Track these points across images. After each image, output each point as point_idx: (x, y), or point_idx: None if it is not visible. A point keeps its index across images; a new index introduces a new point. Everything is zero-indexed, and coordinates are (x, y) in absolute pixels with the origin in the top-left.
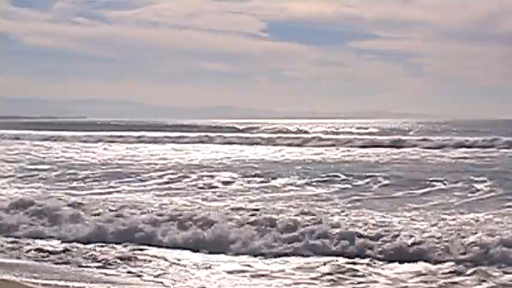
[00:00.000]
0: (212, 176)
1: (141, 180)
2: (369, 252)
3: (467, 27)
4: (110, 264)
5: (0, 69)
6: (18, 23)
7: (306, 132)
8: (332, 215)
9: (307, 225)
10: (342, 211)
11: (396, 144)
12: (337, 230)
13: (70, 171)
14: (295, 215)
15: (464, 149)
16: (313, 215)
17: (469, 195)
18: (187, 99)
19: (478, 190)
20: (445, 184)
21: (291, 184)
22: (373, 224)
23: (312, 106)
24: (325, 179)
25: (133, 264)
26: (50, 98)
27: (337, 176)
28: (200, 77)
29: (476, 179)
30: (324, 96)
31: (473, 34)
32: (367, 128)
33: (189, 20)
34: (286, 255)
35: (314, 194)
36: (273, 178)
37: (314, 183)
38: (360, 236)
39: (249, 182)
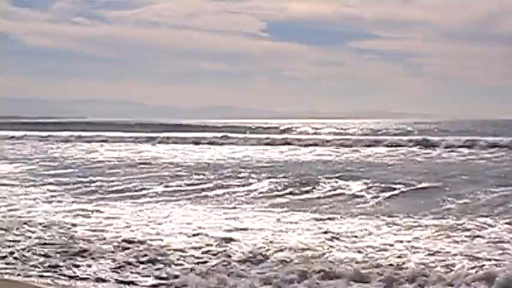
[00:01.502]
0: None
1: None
2: None
3: (467, 27)
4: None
5: (0, 69)
6: (18, 23)
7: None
8: None
9: None
10: None
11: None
12: None
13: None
14: None
15: (467, 150)
16: None
17: None
18: (186, 99)
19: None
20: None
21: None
22: None
23: (312, 106)
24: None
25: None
26: (50, 98)
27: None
28: (199, 77)
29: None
30: (323, 96)
31: (473, 34)
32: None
33: (189, 20)
34: None
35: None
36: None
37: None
38: None
39: None
